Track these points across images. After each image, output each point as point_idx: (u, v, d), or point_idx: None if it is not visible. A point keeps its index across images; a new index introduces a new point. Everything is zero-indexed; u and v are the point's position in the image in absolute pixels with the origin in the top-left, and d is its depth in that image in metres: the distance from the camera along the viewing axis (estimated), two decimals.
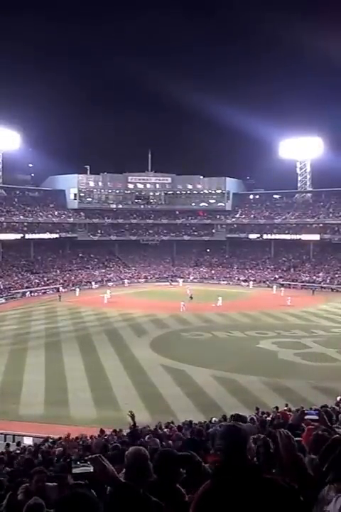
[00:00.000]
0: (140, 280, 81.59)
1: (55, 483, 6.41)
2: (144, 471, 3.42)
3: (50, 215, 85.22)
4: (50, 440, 16.99)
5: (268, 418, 15.27)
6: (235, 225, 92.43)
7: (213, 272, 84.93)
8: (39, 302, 60.37)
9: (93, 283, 75.73)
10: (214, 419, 17.78)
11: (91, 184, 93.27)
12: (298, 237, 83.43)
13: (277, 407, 19.24)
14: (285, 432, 3.64)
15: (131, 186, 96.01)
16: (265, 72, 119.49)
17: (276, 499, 2.67)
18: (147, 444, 8.91)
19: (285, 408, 19.02)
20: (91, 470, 3.42)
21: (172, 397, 26.65)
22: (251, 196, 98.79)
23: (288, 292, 64.69)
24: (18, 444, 17.31)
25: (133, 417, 10.97)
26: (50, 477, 6.94)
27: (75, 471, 3.65)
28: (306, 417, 6.28)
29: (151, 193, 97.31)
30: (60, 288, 69.61)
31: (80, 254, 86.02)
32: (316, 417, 6.01)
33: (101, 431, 17.93)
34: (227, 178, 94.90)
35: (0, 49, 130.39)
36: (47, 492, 5.93)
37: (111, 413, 24.37)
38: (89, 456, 3.51)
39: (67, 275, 76.95)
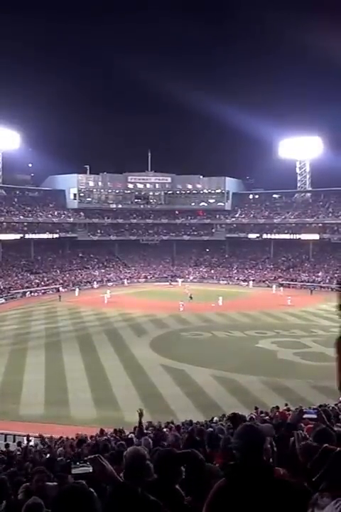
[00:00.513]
0: (140, 280, 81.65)
1: (55, 483, 6.46)
2: (142, 470, 3.44)
3: (49, 215, 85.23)
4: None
5: (267, 418, 15.32)
6: (235, 225, 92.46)
7: (213, 271, 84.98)
8: (39, 302, 60.39)
9: (93, 283, 75.77)
10: (215, 418, 17.81)
11: (91, 184, 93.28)
12: (297, 236, 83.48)
13: (277, 407, 19.29)
14: (302, 434, 3.64)
15: (130, 186, 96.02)
16: (264, 72, 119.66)
17: (289, 501, 2.69)
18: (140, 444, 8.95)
19: (285, 408, 19.08)
20: (91, 470, 3.45)
21: (172, 397, 26.71)
22: (251, 196, 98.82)
23: (288, 292, 64.74)
24: (19, 444, 17.33)
25: (141, 415, 10.97)
26: (50, 477, 6.98)
27: (74, 471, 3.69)
28: (305, 416, 6.34)
29: (151, 193, 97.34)
30: (60, 288, 69.69)
31: (80, 254, 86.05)
32: (315, 416, 6.06)
33: (101, 431, 17.98)
34: (227, 178, 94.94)
35: (0, 49, 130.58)
36: (48, 492, 5.98)
37: (111, 413, 24.43)
38: (89, 457, 3.55)
39: (67, 275, 76.99)
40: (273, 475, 2.84)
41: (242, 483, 2.75)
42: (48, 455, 12.56)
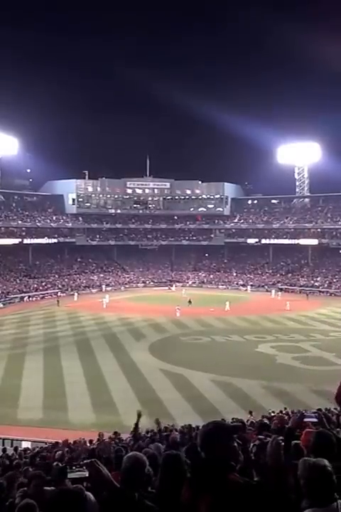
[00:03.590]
0: (138, 285, 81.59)
1: (53, 488, 6.37)
2: (140, 476, 3.40)
3: (48, 220, 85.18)
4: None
5: (266, 421, 15.21)
6: (233, 230, 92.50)
7: (212, 276, 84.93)
8: (37, 307, 60.29)
9: (92, 288, 75.74)
10: None
11: (90, 189, 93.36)
12: (296, 241, 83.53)
13: (280, 411, 19.22)
14: (276, 440, 3.62)
15: (129, 191, 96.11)
16: (263, 79, 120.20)
17: (238, 498, 2.73)
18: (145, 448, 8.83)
19: (284, 411, 19.00)
20: (87, 475, 3.42)
21: (171, 402, 26.58)
22: (250, 201, 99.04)
23: (286, 296, 64.74)
24: (16, 449, 17.20)
25: (139, 416, 11.11)
26: (48, 482, 6.89)
27: (71, 476, 3.65)
28: (305, 419, 6.26)
29: (150, 198, 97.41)
30: (59, 293, 69.58)
31: (79, 259, 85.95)
32: (315, 420, 5.97)
33: (101, 435, 17.79)
34: (225, 183, 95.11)
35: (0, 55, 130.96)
36: (45, 496, 5.89)
37: (109, 417, 24.30)
38: (85, 461, 3.51)
39: (66, 280, 76.90)
40: (224, 474, 2.86)
41: (200, 480, 2.85)
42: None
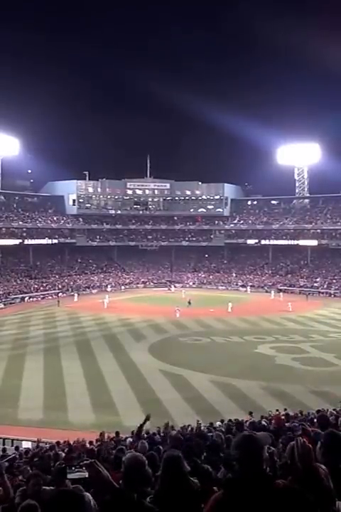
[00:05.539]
0: (139, 285, 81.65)
1: (52, 488, 6.45)
2: (140, 477, 3.43)
3: (49, 221, 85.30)
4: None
5: (264, 423, 15.33)
6: (233, 231, 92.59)
7: (211, 277, 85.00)
8: (38, 307, 60.38)
9: (92, 288, 75.84)
10: (218, 423, 17.72)
11: (90, 190, 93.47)
12: (295, 242, 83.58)
13: (277, 410, 19.28)
14: (302, 441, 3.60)
15: (129, 192, 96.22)
16: (263, 80, 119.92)
17: (290, 509, 2.66)
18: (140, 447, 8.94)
19: (283, 412, 19.09)
20: (86, 475, 3.44)
21: (170, 402, 26.67)
22: (249, 202, 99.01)
23: (286, 297, 64.74)
24: (17, 448, 17.29)
25: (147, 419, 11.24)
26: (47, 481, 6.98)
27: (70, 476, 3.68)
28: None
29: (150, 199, 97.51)
30: (59, 293, 69.66)
31: (79, 260, 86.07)
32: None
33: (101, 435, 17.86)
34: (225, 184, 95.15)
35: (0, 56, 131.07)
36: (45, 496, 5.97)
37: (109, 418, 24.38)
38: (84, 462, 3.55)
39: (66, 280, 77.00)
40: (273, 485, 2.78)
41: (242, 495, 2.67)
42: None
